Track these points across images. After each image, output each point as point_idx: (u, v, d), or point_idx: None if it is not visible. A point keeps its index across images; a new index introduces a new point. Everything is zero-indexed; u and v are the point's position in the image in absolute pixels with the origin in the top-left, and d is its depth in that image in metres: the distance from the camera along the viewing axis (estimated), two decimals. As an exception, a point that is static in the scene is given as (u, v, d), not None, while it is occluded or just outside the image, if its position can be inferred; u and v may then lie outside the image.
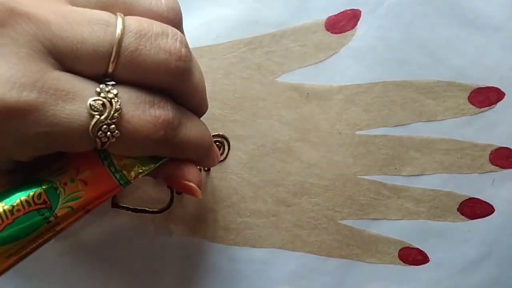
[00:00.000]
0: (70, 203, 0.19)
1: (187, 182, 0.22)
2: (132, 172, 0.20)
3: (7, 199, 0.19)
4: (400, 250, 0.30)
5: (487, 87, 0.29)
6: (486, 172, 0.30)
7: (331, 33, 0.29)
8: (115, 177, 0.20)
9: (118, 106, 0.18)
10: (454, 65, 0.29)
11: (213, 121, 0.29)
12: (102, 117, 0.17)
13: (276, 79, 0.29)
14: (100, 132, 0.17)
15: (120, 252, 0.29)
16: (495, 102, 0.29)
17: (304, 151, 0.29)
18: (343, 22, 0.29)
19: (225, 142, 0.29)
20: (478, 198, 0.30)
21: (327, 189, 0.30)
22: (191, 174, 0.22)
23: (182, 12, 0.21)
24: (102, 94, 0.17)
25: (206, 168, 0.29)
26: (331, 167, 0.29)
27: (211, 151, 0.23)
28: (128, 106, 0.18)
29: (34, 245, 0.19)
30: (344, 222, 0.30)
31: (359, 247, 0.30)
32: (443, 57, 0.29)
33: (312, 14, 0.29)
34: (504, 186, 0.30)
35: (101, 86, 0.18)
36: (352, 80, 0.29)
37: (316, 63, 0.29)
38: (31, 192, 0.19)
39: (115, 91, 0.18)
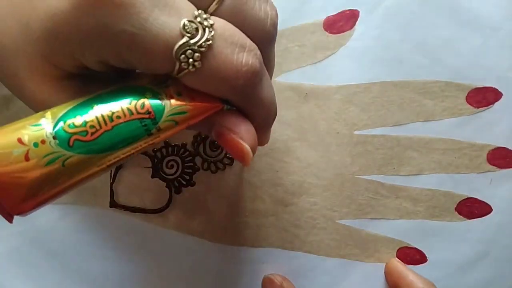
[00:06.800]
0: (175, 117, 0.18)
1: (239, 140, 0.19)
2: None
3: (106, 104, 0.17)
4: (398, 250, 0.30)
5: (484, 87, 0.29)
6: (484, 172, 0.30)
7: (330, 33, 0.29)
8: None
9: (210, 37, 0.17)
10: (452, 65, 0.29)
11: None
12: (192, 41, 0.17)
13: (275, 79, 0.29)
14: (183, 56, 0.17)
15: (117, 252, 0.29)
16: (493, 102, 0.29)
17: (302, 151, 0.29)
18: (341, 22, 0.29)
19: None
20: (475, 198, 0.30)
21: (325, 189, 0.30)
22: (248, 134, 0.20)
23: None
24: (198, 19, 0.17)
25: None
26: (329, 167, 0.30)
27: (272, 123, 0.22)
28: (220, 40, 0.17)
29: (124, 156, 0.17)
30: (343, 221, 0.30)
31: (358, 247, 0.30)
32: (441, 57, 0.29)
33: (310, 14, 0.29)
34: (502, 186, 0.30)
35: (200, 11, 0.17)
36: (350, 80, 0.29)
37: (315, 63, 0.29)
38: (133, 100, 0.17)
39: (212, 21, 0.17)
